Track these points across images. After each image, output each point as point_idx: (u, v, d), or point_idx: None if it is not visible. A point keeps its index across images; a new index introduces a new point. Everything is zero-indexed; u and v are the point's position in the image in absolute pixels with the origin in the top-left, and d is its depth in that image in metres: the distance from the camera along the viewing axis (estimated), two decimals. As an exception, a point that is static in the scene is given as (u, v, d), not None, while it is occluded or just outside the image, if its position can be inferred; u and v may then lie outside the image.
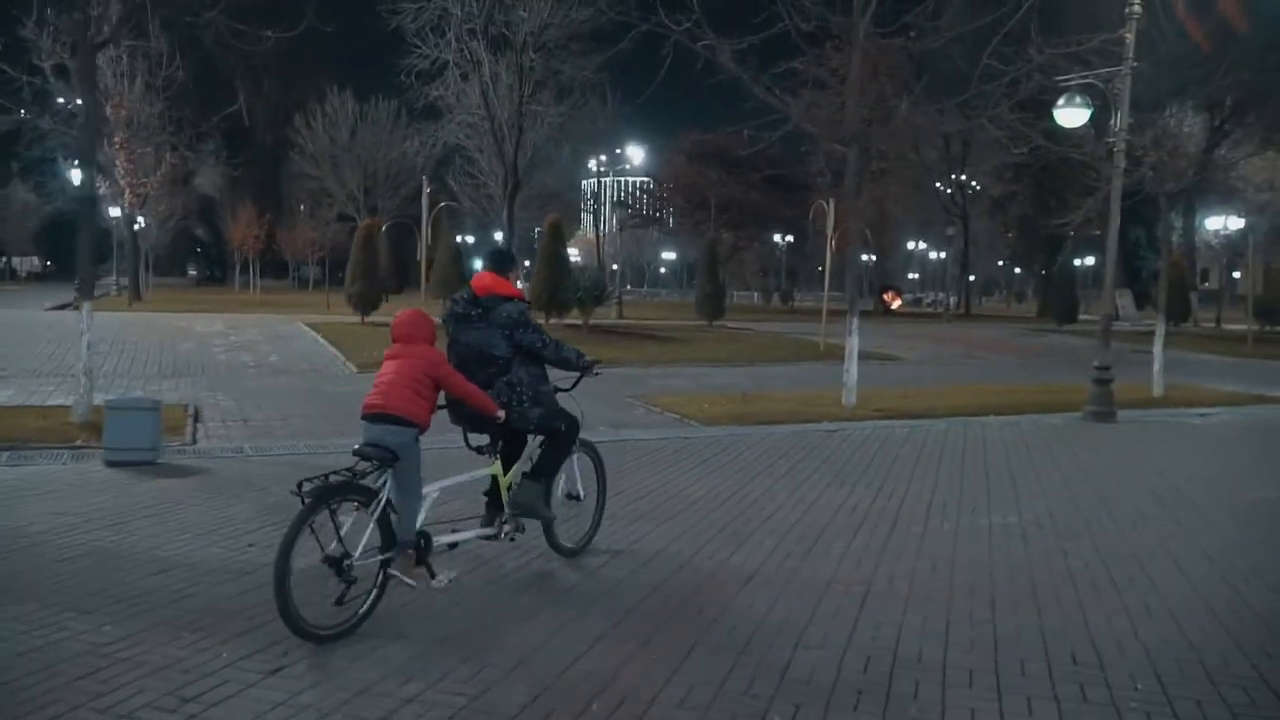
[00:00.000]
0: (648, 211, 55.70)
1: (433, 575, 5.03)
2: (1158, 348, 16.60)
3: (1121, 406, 15.00)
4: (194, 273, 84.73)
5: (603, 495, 6.45)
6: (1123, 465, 9.97)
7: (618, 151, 55.04)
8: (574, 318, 24.57)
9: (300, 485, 4.52)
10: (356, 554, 4.65)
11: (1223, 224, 43.68)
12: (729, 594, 5.44)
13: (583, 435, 5.97)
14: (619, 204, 49.48)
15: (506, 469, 5.65)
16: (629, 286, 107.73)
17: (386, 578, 4.84)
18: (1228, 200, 46.05)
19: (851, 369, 14.13)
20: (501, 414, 5.38)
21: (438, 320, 5.52)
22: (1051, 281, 33.56)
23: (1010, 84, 12.74)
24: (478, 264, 24.97)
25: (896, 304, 56.57)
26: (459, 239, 51.79)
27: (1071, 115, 14.15)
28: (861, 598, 5.40)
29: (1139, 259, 45.29)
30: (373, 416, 4.92)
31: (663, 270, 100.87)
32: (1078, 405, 13.91)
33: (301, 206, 56.19)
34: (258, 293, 49.15)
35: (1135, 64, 13.70)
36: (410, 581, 4.93)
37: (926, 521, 7.26)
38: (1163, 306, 17.83)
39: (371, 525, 4.76)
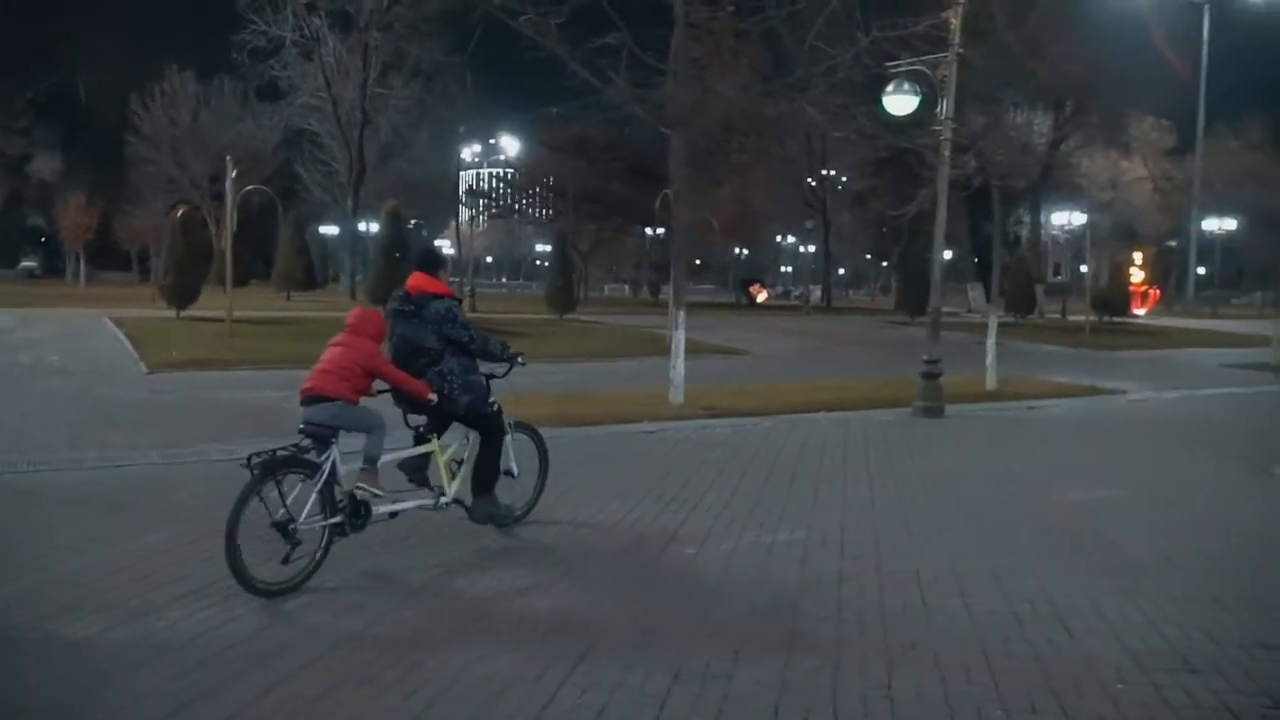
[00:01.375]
0: (507, 202, 54.34)
1: (365, 518, 5.70)
2: (991, 340, 16.45)
3: (954, 400, 14.74)
4: (32, 264, 79.13)
5: (544, 473, 7.03)
6: (938, 466, 9.48)
7: (491, 142, 53.52)
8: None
9: (250, 458, 5.10)
10: (300, 519, 5.28)
11: (1067, 220, 45.21)
12: (427, 653, 4.54)
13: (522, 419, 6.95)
14: (477, 195, 48.04)
15: (442, 447, 6.37)
16: (503, 280, 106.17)
17: (329, 541, 5.42)
18: (1072, 197, 47.86)
19: (678, 365, 13.40)
20: (434, 397, 6.10)
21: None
22: (906, 274, 33.92)
23: (830, 68, 12.17)
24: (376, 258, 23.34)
25: (762, 296, 56.77)
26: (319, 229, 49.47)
27: (900, 102, 13.71)
28: (582, 652, 4.54)
29: (991, 253, 46.39)
30: (307, 398, 5.65)
31: (539, 263, 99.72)
32: (911, 400, 13.56)
33: (144, 194, 52.77)
34: (82, 285, 45.91)
35: (961, 50, 13.40)
36: (378, 491, 5.75)
37: (704, 542, 6.50)
38: (995, 298, 17.71)
39: (314, 495, 5.39)
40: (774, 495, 7.95)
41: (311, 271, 37.78)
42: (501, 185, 48.18)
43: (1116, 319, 37.39)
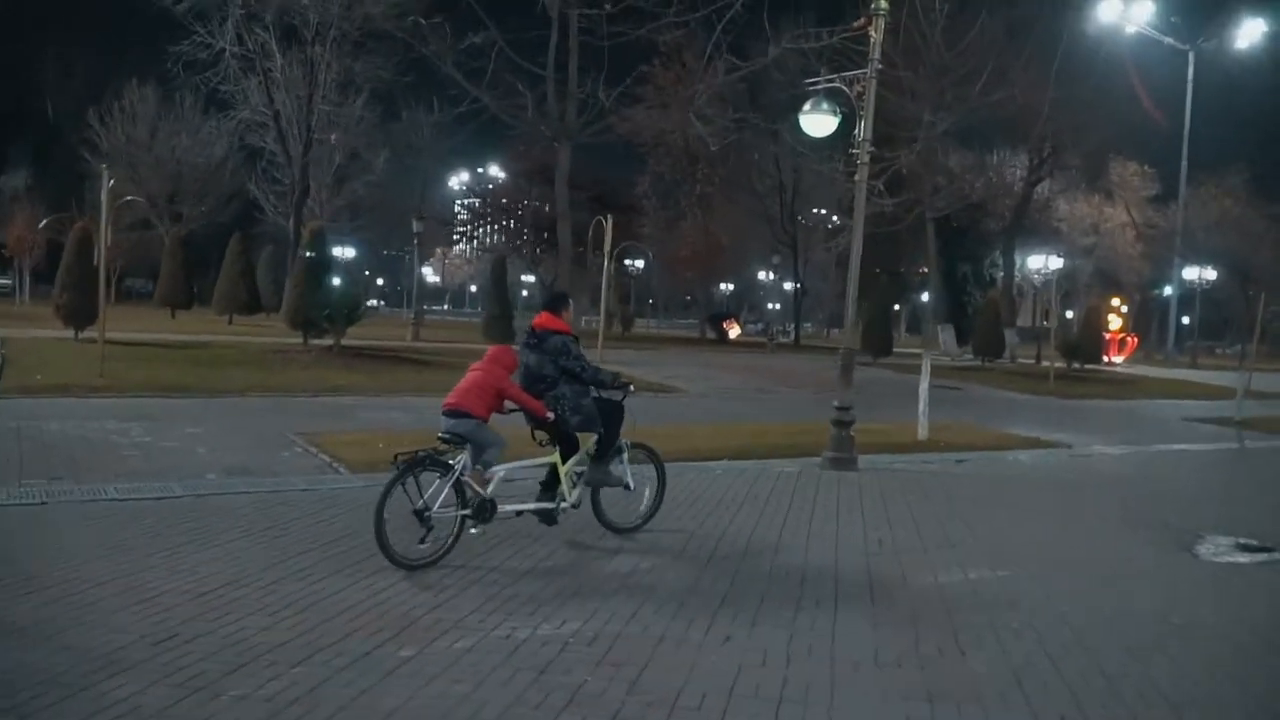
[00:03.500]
0: (469, 230, 52.87)
1: (475, 522, 6.64)
2: (923, 386, 15.13)
3: (878, 450, 13.53)
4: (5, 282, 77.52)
5: (663, 488, 8.01)
6: (805, 532, 8.13)
7: (479, 170, 52.35)
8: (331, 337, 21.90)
9: (395, 456, 6.29)
10: (435, 508, 6.34)
11: (1044, 263, 44.13)
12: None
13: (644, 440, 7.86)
14: (444, 222, 46.79)
15: (564, 460, 7.20)
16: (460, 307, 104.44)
17: (462, 527, 6.50)
18: (1049, 241, 46.83)
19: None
20: (550, 415, 7.03)
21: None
22: (869, 314, 32.80)
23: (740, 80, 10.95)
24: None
25: (734, 332, 55.51)
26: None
27: (818, 122, 12.52)
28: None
29: (965, 294, 45.37)
30: (448, 411, 6.65)
31: (524, 293, 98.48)
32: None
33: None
34: (25, 302, 44.51)
35: (880, 66, 12.22)
36: (479, 489, 6.60)
37: (454, 639, 5.16)
38: (931, 338, 16.37)
39: (447, 489, 6.43)
40: (569, 567, 6.62)
41: (256, 294, 36.34)
42: (465, 211, 46.77)
43: (1089, 366, 36.22)
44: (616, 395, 7.50)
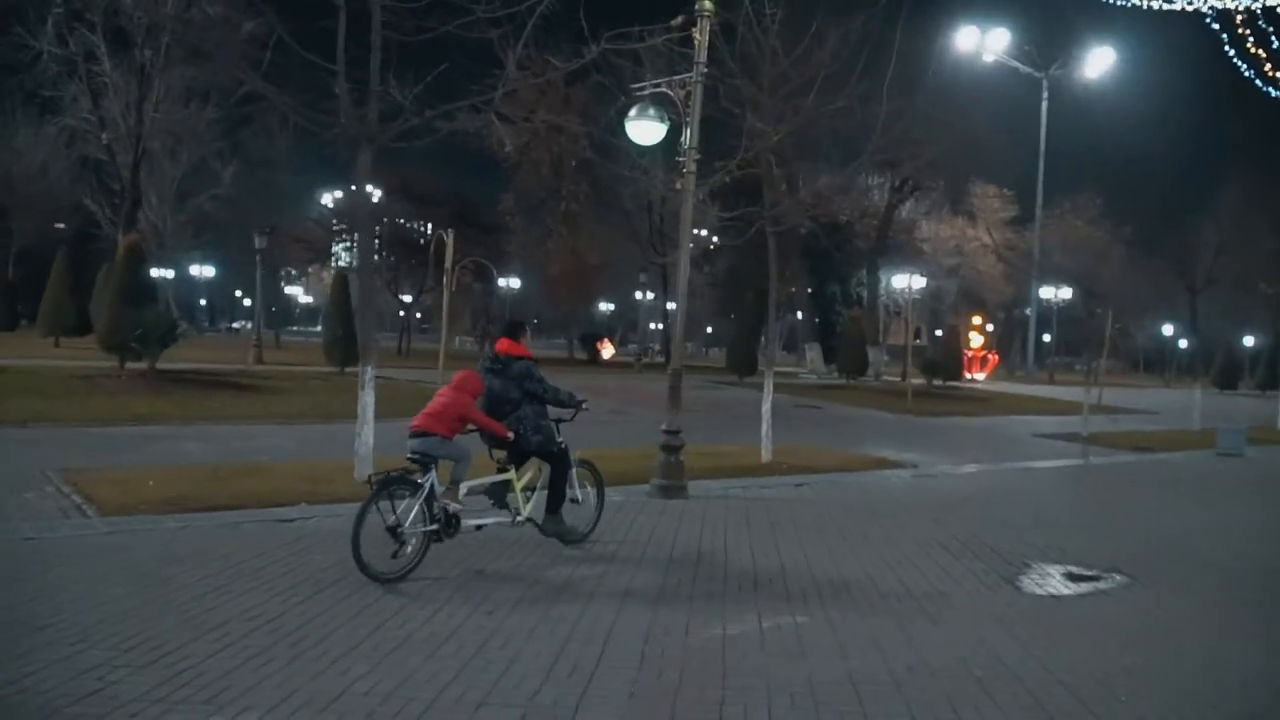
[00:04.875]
0: (327, 248, 50.53)
1: (457, 527, 7.27)
2: (765, 406, 14.53)
3: (722, 474, 12.86)
4: None
5: (601, 498, 8.66)
6: (605, 577, 7.26)
7: (352, 187, 49.81)
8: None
9: (370, 477, 7.14)
10: (406, 525, 6.81)
11: (907, 283, 44.81)
12: None
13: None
14: (298, 239, 44.76)
15: (519, 477, 7.86)
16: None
17: (428, 545, 6.99)
18: (913, 260, 47.69)
19: (364, 433, 10.94)
20: (511, 435, 7.63)
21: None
22: (735, 334, 32.48)
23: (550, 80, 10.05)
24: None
25: (609, 352, 54.79)
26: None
27: (644, 129, 11.76)
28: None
29: (834, 313, 45.70)
30: (414, 432, 7.17)
31: (400, 313, 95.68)
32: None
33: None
34: None
35: (711, 72, 11.58)
36: (457, 505, 7.22)
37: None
38: (772, 358, 15.84)
39: (417, 506, 6.91)
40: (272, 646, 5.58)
41: (86, 315, 33.79)
42: (319, 228, 44.77)
43: (950, 383, 36.73)
44: (567, 414, 8.09)
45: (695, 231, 53.73)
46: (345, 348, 25.72)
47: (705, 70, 11.28)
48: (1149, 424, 25.84)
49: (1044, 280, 55.58)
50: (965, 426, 23.99)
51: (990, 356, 53.05)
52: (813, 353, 44.48)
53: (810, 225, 41.68)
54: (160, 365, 20.79)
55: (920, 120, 14.25)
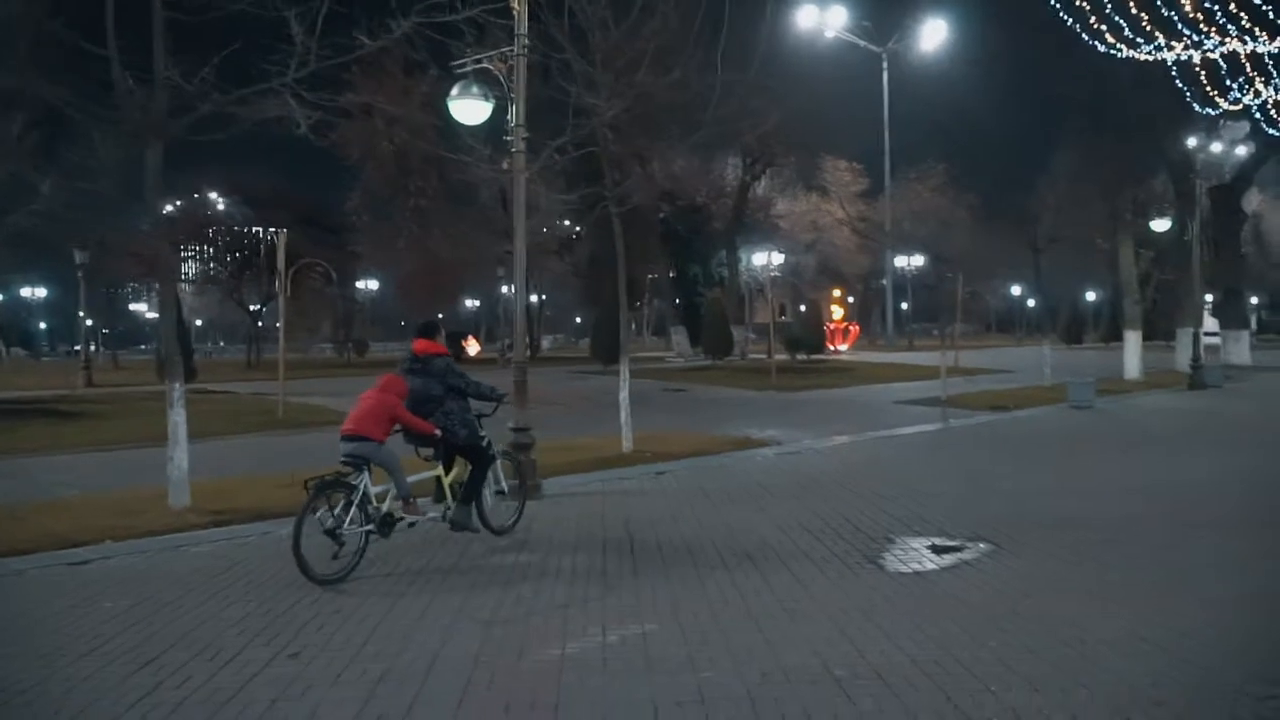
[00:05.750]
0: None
1: (390, 529, 7.40)
2: (623, 394, 13.96)
3: (581, 468, 12.31)
4: None
5: (523, 488, 9.17)
6: (439, 598, 6.54)
7: (195, 195, 46.83)
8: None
9: (306, 482, 6.94)
10: (344, 527, 6.95)
11: (766, 260, 45.12)
12: None
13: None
14: (131, 253, 41.84)
15: (446, 471, 8.07)
16: (221, 344, 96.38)
17: (365, 545, 7.10)
18: (770, 237, 48.07)
19: (177, 455, 9.88)
20: (438, 432, 7.81)
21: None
22: (597, 321, 31.89)
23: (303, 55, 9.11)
24: None
25: (474, 349, 53.38)
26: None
27: (468, 108, 11.01)
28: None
29: (697, 295, 45.61)
30: (346, 436, 7.29)
31: (277, 325, 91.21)
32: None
33: None
34: None
35: (532, 44, 10.89)
36: (411, 518, 7.55)
37: None
38: (625, 343, 15.29)
39: (354, 508, 7.03)
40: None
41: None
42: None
43: (814, 357, 37.06)
44: (488, 407, 8.42)
45: (556, 220, 53.08)
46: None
47: (527, 43, 10.60)
48: (1004, 383, 26.47)
49: (897, 250, 56.97)
50: (828, 399, 24.03)
51: (852, 328, 53.98)
52: (678, 336, 44.27)
53: (661, 206, 41.56)
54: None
55: (758, 91, 13.86)
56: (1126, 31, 25.56)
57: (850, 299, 67.74)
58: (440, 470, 8.04)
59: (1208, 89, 23.30)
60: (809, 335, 36.32)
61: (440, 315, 60.91)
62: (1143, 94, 28.91)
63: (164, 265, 11.06)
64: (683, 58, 12.70)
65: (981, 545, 7.78)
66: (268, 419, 18.66)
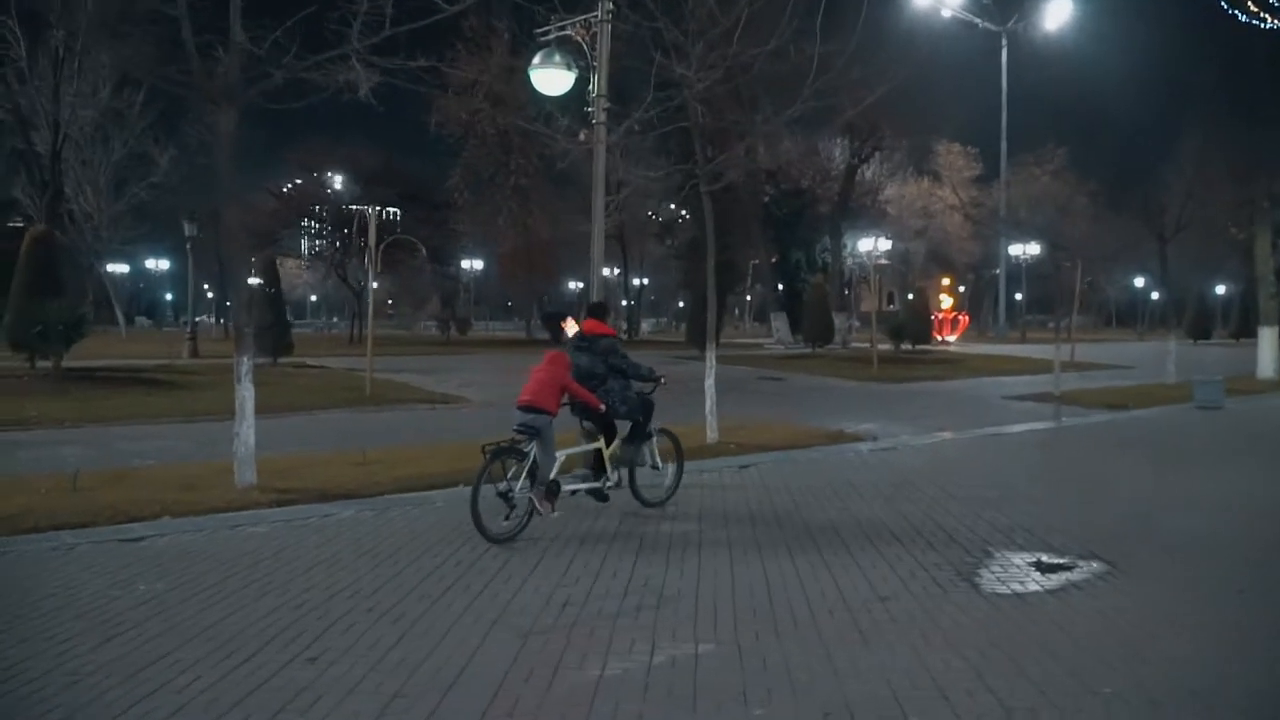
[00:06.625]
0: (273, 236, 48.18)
1: (554, 509, 7.76)
2: (709, 381, 13.31)
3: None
4: None
5: (680, 466, 9.18)
6: (475, 605, 6.04)
7: (314, 174, 47.68)
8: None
9: (484, 447, 7.59)
10: (516, 490, 7.52)
11: (873, 246, 43.72)
12: None
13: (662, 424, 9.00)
14: (244, 229, 42.76)
15: (607, 445, 8.45)
16: (335, 319, 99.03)
17: (531, 505, 7.58)
18: (878, 224, 46.54)
19: (244, 431, 9.67)
20: (603, 407, 8.35)
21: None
22: (692, 306, 31.21)
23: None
24: None
25: (573, 330, 53.27)
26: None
27: (550, 78, 10.49)
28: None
29: (799, 282, 44.47)
30: (523, 406, 7.81)
31: (388, 301, 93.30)
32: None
33: None
34: None
35: (618, 10, 10.28)
36: (541, 510, 7.66)
37: None
38: (714, 326, 14.56)
39: (525, 473, 7.59)
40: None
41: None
42: (263, 214, 42.68)
43: (919, 347, 35.72)
44: (648, 387, 8.79)
45: (660, 203, 52.47)
46: (276, 336, 24.33)
47: (612, 8, 9.99)
48: (1124, 379, 24.88)
49: (1012, 237, 54.58)
50: (932, 391, 22.90)
51: (961, 318, 52.13)
52: (778, 322, 43.23)
53: (764, 189, 40.46)
54: (71, 363, 19.40)
55: (859, 63, 12.93)
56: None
57: (960, 288, 65.50)
58: (601, 443, 8.48)
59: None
60: (915, 324, 34.96)
61: (546, 296, 61.41)
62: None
63: (231, 237, 10.78)
64: (780, 26, 11.89)
65: (1094, 565, 6.90)
66: (356, 395, 18.61)
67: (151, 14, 9.10)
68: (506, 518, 7.45)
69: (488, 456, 7.47)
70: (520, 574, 6.61)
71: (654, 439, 8.87)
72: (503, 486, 7.49)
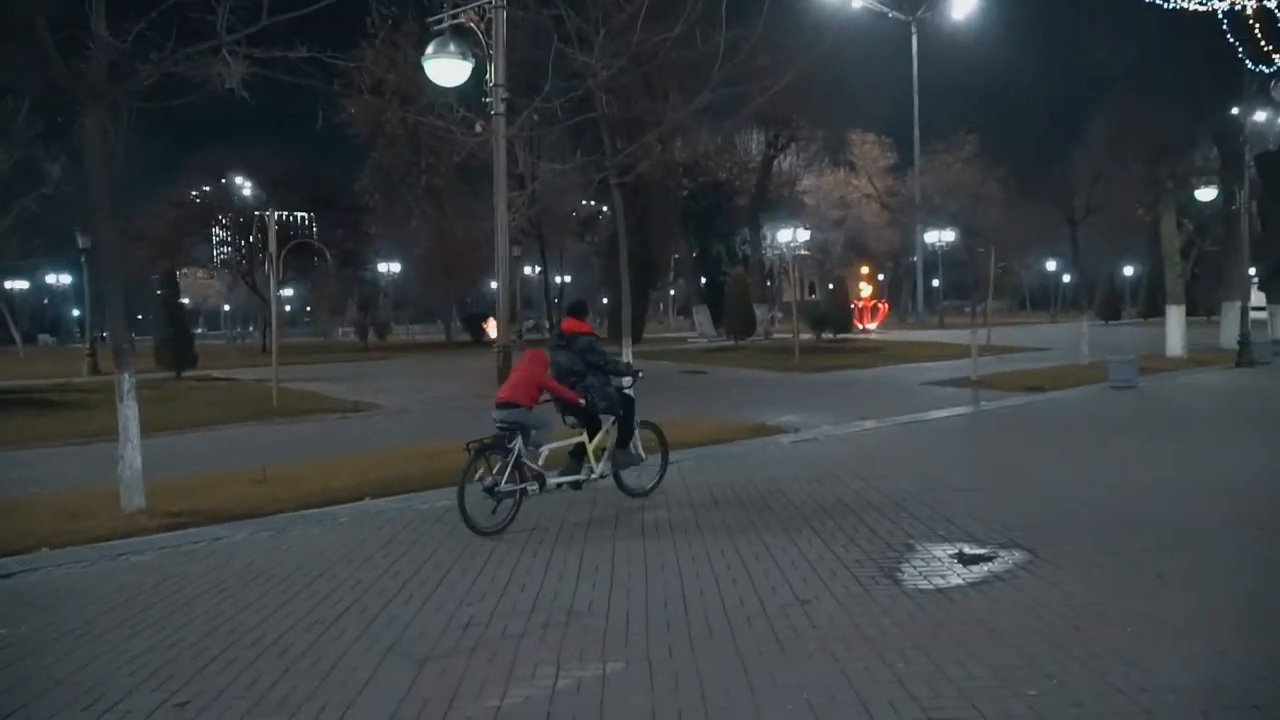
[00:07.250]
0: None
1: (542, 485, 8.22)
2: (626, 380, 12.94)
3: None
4: None
5: (665, 456, 9.52)
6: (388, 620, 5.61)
7: (222, 181, 46.01)
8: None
9: (468, 444, 7.73)
10: (501, 485, 7.81)
11: (792, 236, 43.91)
12: None
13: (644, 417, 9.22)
14: (135, 238, 41.12)
15: (590, 439, 8.76)
16: (250, 329, 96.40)
17: (520, 501, 7.95)
18: (797, 215, 46.76)
19: (128, 453, 9.05)
20: (583, 402, 8.59)
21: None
22: (614, 301, 30.96)
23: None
24: None
25: (495, 331, 52.59)
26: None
27: (445, 68, 10.04)
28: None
29: (721, 275, 44.42)
30: (500, 404, 8.12)
31: (307, 309, 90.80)
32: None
33: None
34: None
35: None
36: (535, 466, 8.17)
37: None
38: (626, 323, 14.24)
39: (509, 468, 7.86)
40: None
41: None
42: (160, 223, 40.87)
43: (841, 336, 35.89)
44: (627, 381, 8.96)
45: (578, 198, 51.99)
46: (177, 349, 23.30)
47: (507, -5, 9.59)
48: (1040, 361, 25.23)
49: (927, 225, 55.35)
50: (853, 380, 22.92)
51: (881, 305, 52.67)
52: (701, 316, 43.15)
53: (681, 182, 40.28)
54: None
55: (766, 48, 12.72)
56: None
57: (880, 276, 66.26)
58: (585, 437, 8.75)
59: (1261, 43, 21.70)
60: (836, 313, 35.12)
61: (468, 298, 60.46)
62: (1187, 51, 27.34)
63: (104, 244, 10.10)
64: (685, 11, 11.61)
65: (1016, 554, 6.74)
66: (262, 407, 17.87)
67: (4, 10, 8.28)
68: (493, 511, 7.71)
69: (472, 453, 7.69)
70: (422, 593, 6.21)
71: (637, 433, 9.09)
72: (488, 482, 7.76)
